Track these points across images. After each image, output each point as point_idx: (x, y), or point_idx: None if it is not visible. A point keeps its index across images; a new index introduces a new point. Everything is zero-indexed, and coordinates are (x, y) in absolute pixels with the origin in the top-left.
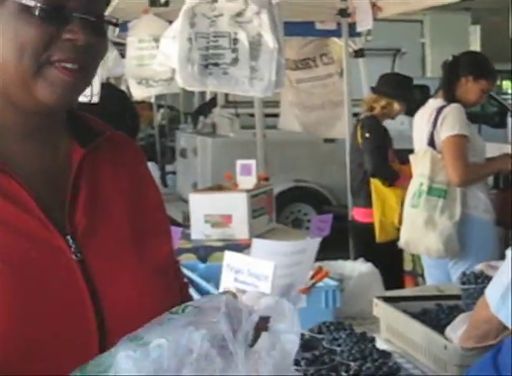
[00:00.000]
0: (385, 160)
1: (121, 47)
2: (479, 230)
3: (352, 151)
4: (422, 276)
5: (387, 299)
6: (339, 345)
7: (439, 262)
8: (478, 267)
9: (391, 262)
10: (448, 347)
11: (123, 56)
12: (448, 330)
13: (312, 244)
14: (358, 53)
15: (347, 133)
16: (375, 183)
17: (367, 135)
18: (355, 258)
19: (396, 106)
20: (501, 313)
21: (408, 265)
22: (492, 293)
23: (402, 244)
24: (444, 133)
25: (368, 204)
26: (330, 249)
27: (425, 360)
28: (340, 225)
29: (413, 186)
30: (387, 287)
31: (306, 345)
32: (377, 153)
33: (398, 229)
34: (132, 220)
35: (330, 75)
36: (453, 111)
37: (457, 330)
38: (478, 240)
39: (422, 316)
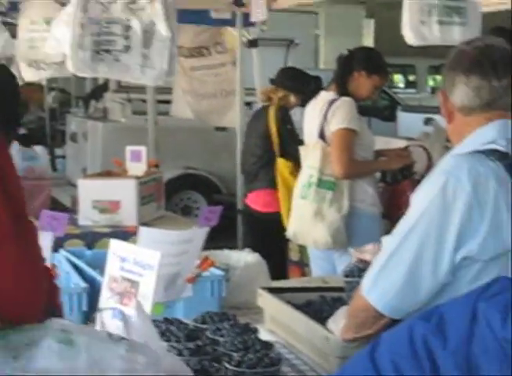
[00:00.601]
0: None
1: (13, 27)
2: (366, 223)
3: (255, 137)
4: (309, 266)
5: (271, 290)
6: (222, 336)
7: (326, 253)
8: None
9: (278, 252)
10: (329, 339)
11: (14, 36)
12: (330, 322)
13: (199, 233)
14: (252, 43)
15: (238, 122)
16: (281, 171)
17: (289, 126)
18: (244, 247)
19: (293, 98)
20: (371, 296)
21: (295, 256)
22: (365, 278)
23: (290, 234)
24: (333, 126)
25: (268, 186)
26: (219, 238)
27: (307, 351)
28: (230, 214)
29: (303, 178)
30: (276, 277)
31: (189, 335)
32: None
33: None
34: None
35: (224, 64)
36: (344, 105)
37: (339, 322)
38: (365, 233)
39: (306, 308)
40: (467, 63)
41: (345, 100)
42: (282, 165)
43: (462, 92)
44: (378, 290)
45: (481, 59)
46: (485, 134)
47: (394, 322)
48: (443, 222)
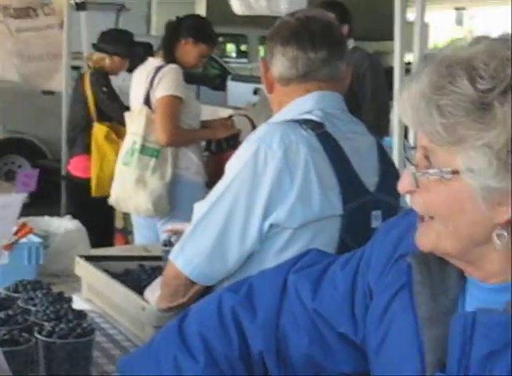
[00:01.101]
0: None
1: None
2: (189, 192)
3: (75, 103)
4: (133, 234)
5: (89, 258)
6: (34, 305)
7: (149, 221)
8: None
9: (104, 219)
10: (145, 308)
11: None
12: (147, 292)
13: (16, 199)
14: (80, 6)
15: (64, 86)
16: (96, 136)
17: (104, 89)
18: (68, 214)
19: (117, 61)
20: (178, 262)
21: (119, 223)
22: (176, 245)
23: (112, 201)
24: (159, 93)
25: (86, 151)
26: (44, 205)
27: (124, 321)
28: (54, 180)
29: (127, 144)
30: (100, 245)
31: (0, 304)
32: (117, 104)
33: None
34: None
35: (51, 26)
36: (170, 72)
37: (155, 291)
38: (188, 201)
39: (124, 277)
40: (286, 33)
41: (172, 67)
42: (97, 130)
43: (279, 63)
44: (185, 255)
45: (299, 31)
46: (302, 104)
47: (208, 289)
48: (253, 188)
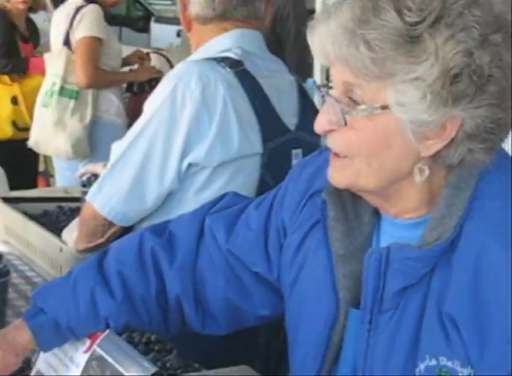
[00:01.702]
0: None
1: None
2: (110, 133)
3: None
4: (54, 177)
5: (6, 200)
6: None
7: (70, 164)
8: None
9: (28, 163)
10: (63, 249)
11: None
12: (65, 233)
13: None
14: None
15: None
16: None
17: None
18: None
19: None
20: (96, 202)
21: (41, 166)
22: (93, 185)
23: (31, 143)
24: (78, 33)
25: None
26: None
27: (42, 263)
28: None
29: (46, 86)
30: (21, 188)
31: None
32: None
33: (26, 129)
34: None
35: None
36: (90, 12)
37: (72, 232)
38: (109, 143)
39: (42, 218)
40: None
41: (92, 7)
42: None
43: (196, 2)
44: (103, 195)
45: None
46: (221, 42)
47: (126, 230)
48: (171, 126)
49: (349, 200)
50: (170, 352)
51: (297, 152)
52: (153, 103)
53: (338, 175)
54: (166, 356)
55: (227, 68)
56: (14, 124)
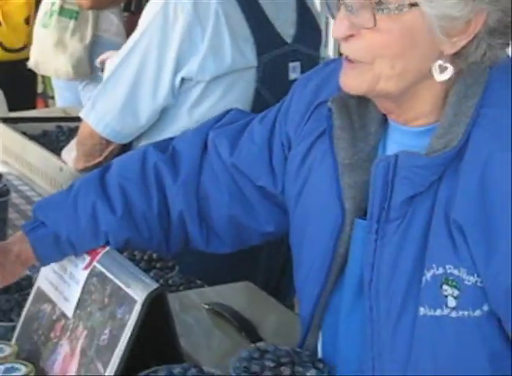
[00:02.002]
0: None
1: None
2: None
3: None
4: (54, 98)
5: (5, 120)
6: None
7: (69, 85)
8: None
9: (27, 85)
10: (63, 169)
11: None
12: (64, 153)
13: None
14: None
15: None
16: None
17: None
18: None
19: None
20: (90, 118)
21: (39, 87)
22: (87, 103)
23: (31, 64)
24: None
25: None
26: None
27: (42, 183)
28: None
29: (45, 6)
30: (20, 110)
31: None
32: None
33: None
34: None
35: None
36: None
37: (72, 152)
38: None
39: (42, 139)
40: None
41: None
42: None
43: None
44: (97, 112)
45: None
46: None
47: (124, 150)
48: (163, 41)
49: (355, 109)
50: (172, 268)
51: (294, 65)
52: (146, 17)
53: (356, 82)
54: (168, 273)
55: None
56: (1, 45)
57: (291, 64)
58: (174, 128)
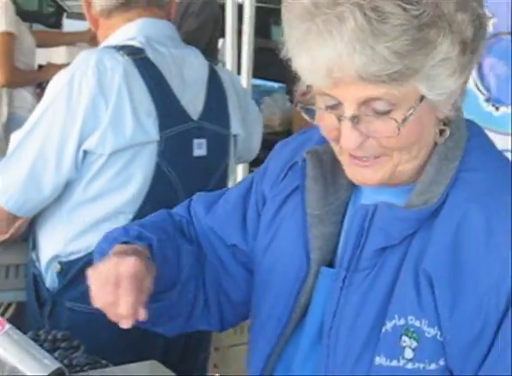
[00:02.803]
0: None
1: None
2: None
3: None
4: None
5: None
6: None
7: None
8: None
9: None
10: None
11: None
12: None
13: None
14: None
15: None
16: None
17: None
18: None
19: None
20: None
21: None
22: None
23: None
24: None
25: None
26: None
27: None
28: None
29: None
30: None
31: None
32: None
33: None
34: None
35: None
36: (1, 6)
37: None
38: None
39: None
40: None
41: (3, 2)
42: None
43: None
44: (1, 185)
45: None
46: (126, 32)
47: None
48: (67, 115)
49: (329, 164)
50: (77, 348)
51: (200, 141)
52: (51, 91)
53: (378, 176)
54: (73, 352)
55: (125, 56)
56: None
57: (196, 141)
58: (71, 202)
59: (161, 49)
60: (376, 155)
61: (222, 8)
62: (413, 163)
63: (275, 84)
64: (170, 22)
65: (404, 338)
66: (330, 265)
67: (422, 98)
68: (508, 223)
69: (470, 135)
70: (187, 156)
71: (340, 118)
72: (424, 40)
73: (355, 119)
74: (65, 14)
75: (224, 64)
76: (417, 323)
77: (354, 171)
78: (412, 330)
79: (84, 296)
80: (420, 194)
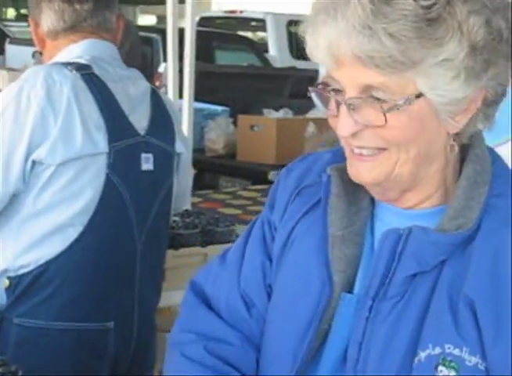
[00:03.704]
0: None
1: None
2: None
3: None
4: None
5: None
6: None
7: None
8: None
9: None
10: None
11: None
12: None
13: None
14: None
15: None
16: None
17: None
18: None
19: None
20: None
21: None
22: None
23: None
24: None
25: None
26: None
27: None
28: None
29: None
30: None
31: None
32: None
33: None
34: None
35: None
36: None
37: None
38: None
39: None
40: None
41: None
42: None
43: (47, 17)
44: None
45: None
46: (71, 52)
47: None
48: (16, 126)
49: (350, 184)
50: (15, 374)
51: (147, 156)
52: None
53: (375, 173)
54: None
55: (74, 71)
56: None
57: (144, 155)
58: (21, 215)
59: (107, 67)
60: (375, 147)
61: (163, 33)
62: (411, 167)
63: (219, 108)
64: (113, 45)
65: (440, 367)
66: (350, 288)
67: (420, 94)
68: None
69: (492, 159)
70: (135, 169)
71: (338, 104)
72: (427, 33)
73: (351, 106)
74: (8, 39)
75: (166, 88)
76: (456, 352)
77: (351, 166)
78: (449, 358)
79: (33, 311)
80: (452, 219)
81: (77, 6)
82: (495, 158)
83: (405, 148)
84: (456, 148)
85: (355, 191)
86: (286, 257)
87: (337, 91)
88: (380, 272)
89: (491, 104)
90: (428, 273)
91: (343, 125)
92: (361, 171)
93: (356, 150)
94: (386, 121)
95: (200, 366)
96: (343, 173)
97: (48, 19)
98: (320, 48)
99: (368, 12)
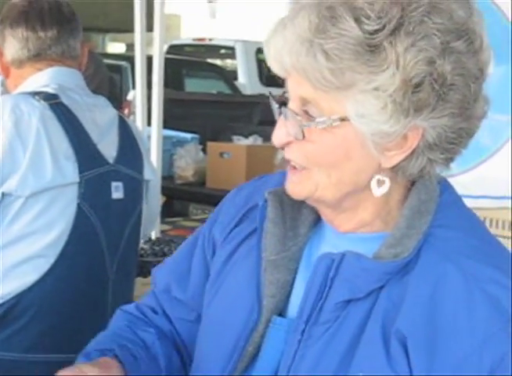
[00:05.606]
0: None
1: None
2: None
3: None
4: None
5: None
6: None
7: None
8: None
9: None
10: None
11: None
12: None
13: None
14: None
15: None
16: None
17: None
18: None
19: None
20: None
21: None
22: None
23: None
24: None
25: None
26: None
27: None
28: None
29: None
30: None
31: None
32: None
33: None
34: None
35: None
36: None
37: None
38: None
39: None
40: (15, 15)
41: None
42: None
43: (11, 45)
44: None
45: (27, 11)
46: (38, 80)
47: None
48: None
49: (289, 208)
50: None
51: (117, 184)
52: None
53: (299, 188)
54: None
55: (41, 101)
56: None
57: (114, 183)
58: None
59: (74, 96)
60: (299, 165)
61: (133, 61)
62: (334, 192)
63: (189, 135)
64: (79, 72)
65: None
66: (280, 314)
67: (345, 118)
68: (486, 284)
69: (441, 189)
70: (106, 198)
71: (278, 111)
72: (364, 58)
73: (285, 115)
74: None
75: (134, 116)
76: None
77: (286, 178)
78: None
79: (5, 343)
80: (390, 247)
81: (41, 34)
82: (446, 188)
83: (326, 171)
84: (387, 183)
85: (295, 215)
86: (225, 278)
87: (285, 99)
88: (313, 297)
89: (434, 148)
90: (363, 300)
91: (275, 134)
92: (289, 183)
93: (292, 162)
94: (303, 136)
95: (126, 313)
96: (281, 196)
97: (12, 48)
98: (271, 57)
99: (312, 25)
